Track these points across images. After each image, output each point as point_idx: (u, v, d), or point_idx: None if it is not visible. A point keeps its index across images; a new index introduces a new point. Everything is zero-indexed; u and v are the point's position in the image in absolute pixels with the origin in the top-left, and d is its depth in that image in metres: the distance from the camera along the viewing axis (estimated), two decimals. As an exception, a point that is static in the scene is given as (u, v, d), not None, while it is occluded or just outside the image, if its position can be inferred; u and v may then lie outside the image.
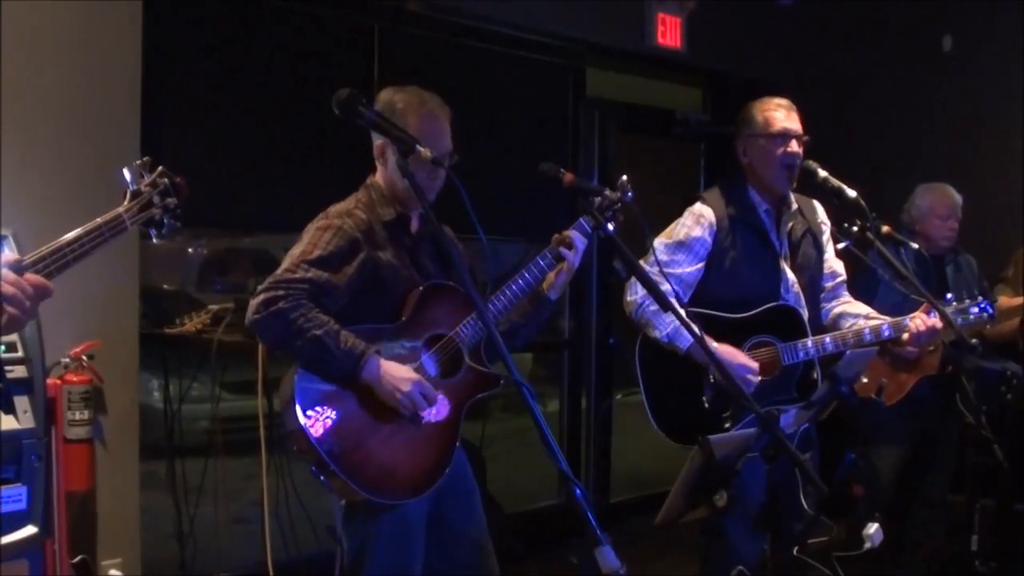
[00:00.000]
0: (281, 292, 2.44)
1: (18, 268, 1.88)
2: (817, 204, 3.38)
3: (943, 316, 3.34)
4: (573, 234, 2.74)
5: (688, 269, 3.14)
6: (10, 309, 1.86)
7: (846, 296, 3.44)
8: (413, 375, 2.54)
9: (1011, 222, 5.38)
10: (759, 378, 3.08)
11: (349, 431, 2.49)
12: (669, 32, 5.77)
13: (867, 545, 3.43)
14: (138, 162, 2.10)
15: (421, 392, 2.52)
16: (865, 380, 3.73)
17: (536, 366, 7.21)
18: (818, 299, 3.33)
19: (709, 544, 3.26)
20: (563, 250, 2.73)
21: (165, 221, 2.10)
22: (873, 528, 3.49)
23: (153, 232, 2.10)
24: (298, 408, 2.45)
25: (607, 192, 2.77)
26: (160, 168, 2.12)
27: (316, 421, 2.46)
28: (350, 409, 2.51)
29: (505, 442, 6.69)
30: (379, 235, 2.63)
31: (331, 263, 2.52)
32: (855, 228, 3.44)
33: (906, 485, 4.32)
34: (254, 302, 2.46)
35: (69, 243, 1.94)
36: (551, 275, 2.76)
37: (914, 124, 5.92)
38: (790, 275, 3.24)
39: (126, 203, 2.05)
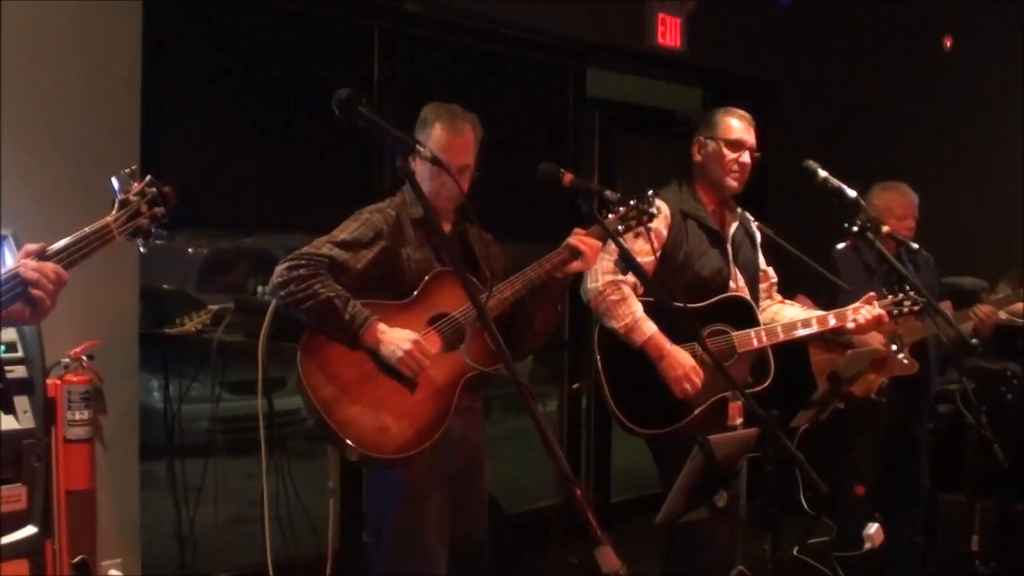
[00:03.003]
0: (303, 261, 2.73)
1: (40, 256, 1.97)
2: (747, 214, 3.51)
3: (943, 317, 3.35)
4: (593, 241, 2.86)
5: (644, 259, 3.18)
6: (36, 292, 1.94)
7: (779, 297, 3.58)
8: (412, 335, 2.72)
9: (1011, 222, 5.38)
10: (697, 386, 3.15)
11: (347, 386, 2.70)
12: (669, 32, 5.77)
13: (867, 545, 3.45)
14: (126, 170, 2.12)
15: (420, 351, 2.70)
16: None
17: (536, 366, 7.22)
18: (757, 299, 3.44)
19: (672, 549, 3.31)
20: (584, 248, 2.84)
21: (152, 230, 2.12)
22: (873, 528, 3.51)
23: (140, 241, 2.11)
24: (302, 363, 2.70)
25: (607, 193, 2.81)
26: (148, 177, 2.13)
27: (317, 375, 2.69)
28: (350, 369, 2.72)
29: (505, 442, 6.70)
30: (407, 231, 2.86)
31: (351, 246, 2.78)
32: (855, 228, 3.45)
33: (887, 486, 4.31)
34: (278, 268, 2.74)
35: (57, 253, 1.98)
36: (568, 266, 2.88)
37: (914, 124, 5.92)
38: (736, 272, 3.36)
39: (114, 212, 2.07)
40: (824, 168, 3.39)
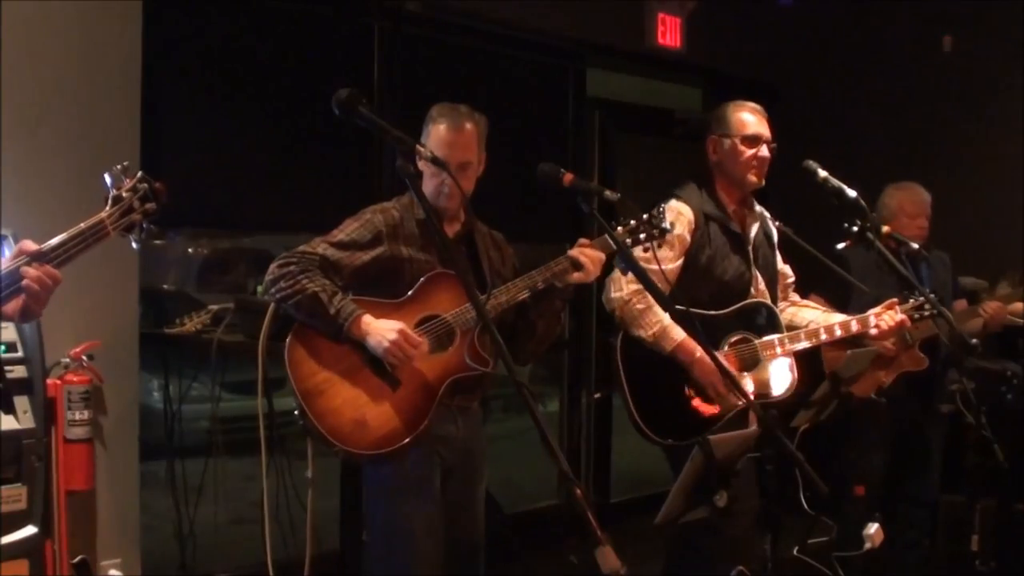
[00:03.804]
0: (295, 259, 2.76)
1: (40, 257, 1.99)
2: (764, 210, 3.46)
3: (944, 317, 3.35)
4: (595, 254, 2.83)
5: (670, 265, 3.17)
6: (32, 288, 1.97)
7: (796, 297, 3.55)
8: (399, 324, 2.71)
9: (1011, 222, 5.38)
10: (724, 391, 3.13)
11: (330, 379, 2.73)
12: (669, 32, 5.77)
13: (867, 545, 3.45)
14: (118, 167, 2.13)
15: (407, 340, 2.69)
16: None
17: (536, 366, 7.21)
18: (775, 300, 3.40)
19: (673, 554, 3.30)
20: (584, 260, 2.82)
21: (144, 226, 2.14)
22: (873, 528, 3.51)
23: (133, 236, 2.14)
24: (289, 354, 2.73)
25: (607, 194, 2.79)
26: (140, 173, 2.14)
27: (302, 367, 2.73)
28: (336, 362, 2.74)
29: (505, 442, 6.69)
30: (408, 231, 2.85)
31: (348, 247, 2.80)
32: (855, 228, 3.45)
33: (894, 486, 4.31)
34: (271, 266, 2.78)
35: (53, 248, 2.00)
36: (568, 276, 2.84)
37: (914, 124, 5.92)
38: (757, 274, 3.32)
39: (107, 208, 2.09)
40: (824, 168, 3.38)
